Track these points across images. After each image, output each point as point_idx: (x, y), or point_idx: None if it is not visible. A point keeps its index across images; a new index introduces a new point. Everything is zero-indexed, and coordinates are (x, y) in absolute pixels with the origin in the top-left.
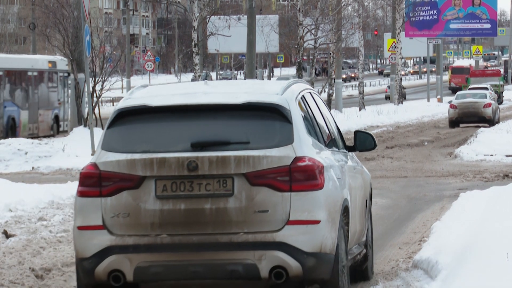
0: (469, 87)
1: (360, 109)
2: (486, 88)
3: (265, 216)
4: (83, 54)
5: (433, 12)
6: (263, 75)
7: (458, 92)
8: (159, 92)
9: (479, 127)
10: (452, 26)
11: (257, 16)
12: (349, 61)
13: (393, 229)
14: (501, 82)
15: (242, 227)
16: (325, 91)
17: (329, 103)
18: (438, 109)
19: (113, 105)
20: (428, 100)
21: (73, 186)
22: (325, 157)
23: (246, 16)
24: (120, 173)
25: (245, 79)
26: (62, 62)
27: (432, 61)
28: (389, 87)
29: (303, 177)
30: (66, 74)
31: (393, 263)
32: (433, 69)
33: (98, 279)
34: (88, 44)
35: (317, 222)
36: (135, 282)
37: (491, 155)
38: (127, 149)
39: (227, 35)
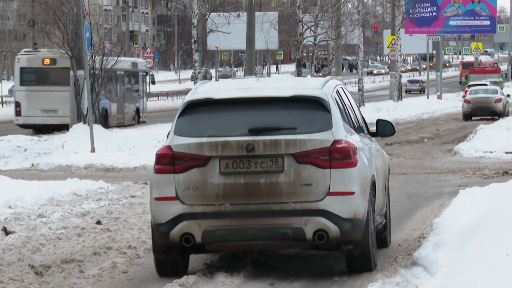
0: (468, 84)
1: (359, 106)
2: (486, 85)
3: (309, 189)
4: (83, 51)
5: (433, 9)
6: (262, 71)
7: (471, 88)
8: (220, 87)
9: (493, 119)
10: (451, 23)
11: (257, 13)
12: (348, 58)
13: (392, 226)
14: (501, 79)
15: (291, 197)
16: None
17: None
18: (437, 105)
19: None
20: (428, 97)
21: (73, 183)
22: (356, 140)
23: (245, 13)
24: (190, 154)
25: (244, 76)
26: (142, 63)
27: (430, 58)
28: (409, 81)
29: (341, 156)
30: (144, 73)
31: (392, 260)
32: (423, 67)
33: (172, 241)
34: (88, 41)
35: (352, 193)
36: (203, 244)
37: (491, 152)
38: (196, 134)
39: (227, 32)
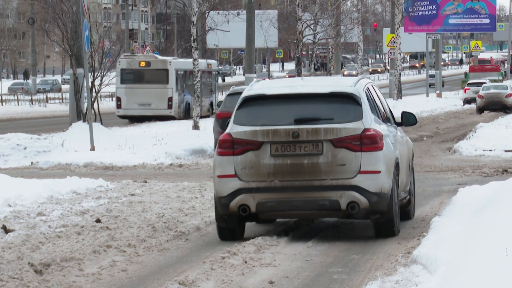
0: (468, 82)
1: None
2: (485, 83)
3: (344, 168)
4: (82, 49)
5: (432, 7)
6: (263, 69)
7: (484, 85)
8: (270, 85)
9: (505, 112)
10: (451, 21)
11: (256, 11)
12: (348, 56)
13: None
14: (500, 77)
15: (329, 175)
16: None
17: None
18: (437, 104)
19: (112, 100)
20: (427, 95)
21: (72, 181)
22: (383, 128)
23: (245, 11)
24: (246, 139)
25: (244, 74)
26: (215, 64)
27: (421, 57)
28: (430, 76)
29: (369, 142)
30: (217, 72)
31: (392, 258)
32: (416, 65)
33: (231, 211)
34: (87, 39)
35: (379, 172)
36: (257, 213)
37: (490, 150)
38: (251, 123)
39: (226, 30)
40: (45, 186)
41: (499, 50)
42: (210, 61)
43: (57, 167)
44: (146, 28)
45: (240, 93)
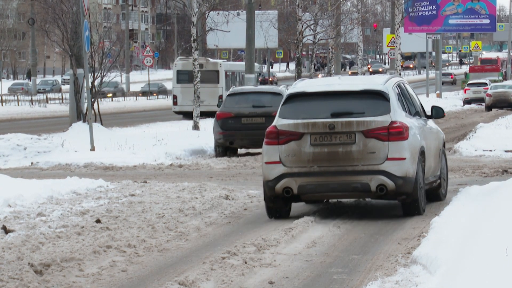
0: (468, 82)
1: None
2: (485, 84)
3: (373, 155)
4: (82, 50)
5: (432, 7)
6: (263, 70)
7: (492, 84)
8: (311, 83)
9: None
10: (451, 21)
11: (256, 12)
12: (348, 56)
13: (392, 225)
14: (500, 78)
15: (360, 161)
16: None
17: None
18: (437, 104)
19: (112, 100)
20: (427, 96)
21: (72, 182)
22: (409, 121)
23: (245, 12)
24: (289, 131)
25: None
26: (258, 66)
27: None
28: (443, 74)
29: (396, 133)
30: (258, 73)
31: (392, 258)
32: (410, 66)
33: (277, 192)
34: (87, 40)
35: (404, 159)
36: (298, 194)
37: (490, 150)
38: (293, 117)
39: (226, 31)
40: (45, 186)
41: (498, 51)
42: (241, 63)
43: (57, 168)
44: (146, 29)
45: (240, 93)
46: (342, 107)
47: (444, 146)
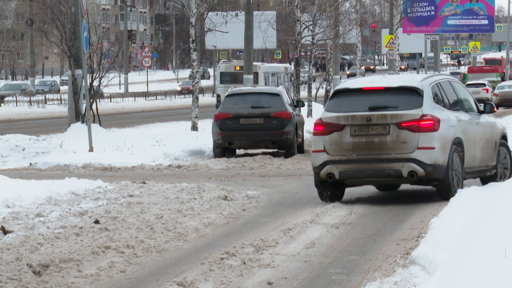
0: (467, 83)
1: None
2: (484, 84)
3: (405, 145)
4: (81, 50)
5: (431, 8)
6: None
7: (498, 85)
8: (356, 81)
9: None
10: (449, 22)
11: (255, 12)
12: (346, 57)
13: (390, 225)
14: (499, 78)
15: (393, 150)
16: (322, 87)
17: (326, 99)
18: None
19: (110, 101)
20: None
21: (71, 182)
22: (445, 114)
23: (243, 12)
24: (332, 123)
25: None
26: (290, 68)
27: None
28: (451, 73)
29: (426, 124)
30: (290, 74)
31: (390, 259)
32: (402, 67)
33: (321, 178)
34: (86, 40)
35: (433, 148)
36: (340, 179)
37: None
38: (337, 110)
39: (225, 31)
40: (43, 187)
41: (497, 51)
42: (285, 65)
43: (56, 168)
44: (145, 29)
45: (239, 94)
46: (379, 101)
47: (504, 138)
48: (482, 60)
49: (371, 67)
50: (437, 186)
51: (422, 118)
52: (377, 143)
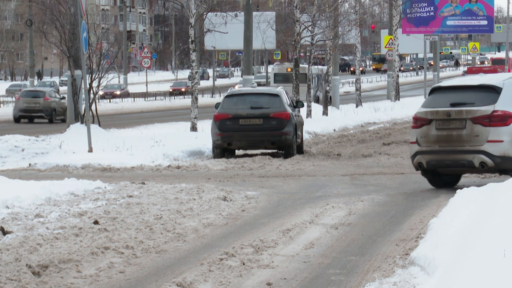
0: None
1: (357, 106)
2: None
3: (477, 138)
4: (80, 51)
5: (430, 8)
6: (261, 70)
7: None
8: (453, 80)
9: None
10: (449, 22)
11: (254, 13)
12: (346, 57)
13: (390, 226)
14: None
15: (468, 143)
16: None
17: (325, 99)
18: None
19: (110, 101)
20: (425, 97)
21: (70, 183)
22: None
23: (243, 13)
24: (422, 117)
25: (242, 76)
26: (325, 69)
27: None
28: (464, 72)
29: (496, 119)
30: (325, 74)
31: (390, 259)
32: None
33: (415, 166)
34: (85, 41)
35: (501, 141)
36: (427, 168)
37: None
38: (428, 106)
39: (224, 32)
40: (43, 187)
41: (496, 52)
42: (321, 67)
43: (55, 169)
44: (144, 30)
45: (237, 95)
46: (460, 98)
47: None
48: (489, 60)
49: (361, 69)
50: None
51: (493, 113)
52: (455, 136)
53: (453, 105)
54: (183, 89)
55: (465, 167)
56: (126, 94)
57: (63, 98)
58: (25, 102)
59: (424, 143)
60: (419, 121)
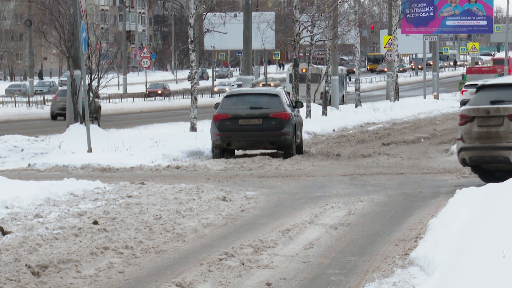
0: (465, 84)
1: (356, 106)
2: None
3: None
4: (80, 51)
5: (430, 9)
6: (260, 71)
7: None
8: (498, 78)
9: None
10: (448, 23)
11: (254, 13)
12: (345, 57)
13: (389, 226)
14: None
15: (505, 140)
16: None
17: (325, 100)
18: (434, 105)
19: (109, 102)
20: (425, 97)
21: (70, 183)
22: None
23: (242, 13)
24: (466, 115)
25: (240, 75)
26: (344, 69)
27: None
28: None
29: None
30: (345, 74)
31: (389, 260)
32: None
33: (460, 161)
34: (85, 41)
35: None
36: (469, 164)
37: None
38: (472, 104)
39: (223, 32)
40: (42, 188)
41: (496, 52)
42: (342, 67)
43: (55, 169)
44: (144, 30)
45: (237, 95)
46: (500, 96)
47: None
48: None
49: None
50: None
51: None
52: (493, 133)
53: (492, 102)
54: (159, 91)
55: (502, 163)
56: (168, 93)
57: (97, 97)
58: (61, 101)
59: (467, 139)
60: (463, 118)
